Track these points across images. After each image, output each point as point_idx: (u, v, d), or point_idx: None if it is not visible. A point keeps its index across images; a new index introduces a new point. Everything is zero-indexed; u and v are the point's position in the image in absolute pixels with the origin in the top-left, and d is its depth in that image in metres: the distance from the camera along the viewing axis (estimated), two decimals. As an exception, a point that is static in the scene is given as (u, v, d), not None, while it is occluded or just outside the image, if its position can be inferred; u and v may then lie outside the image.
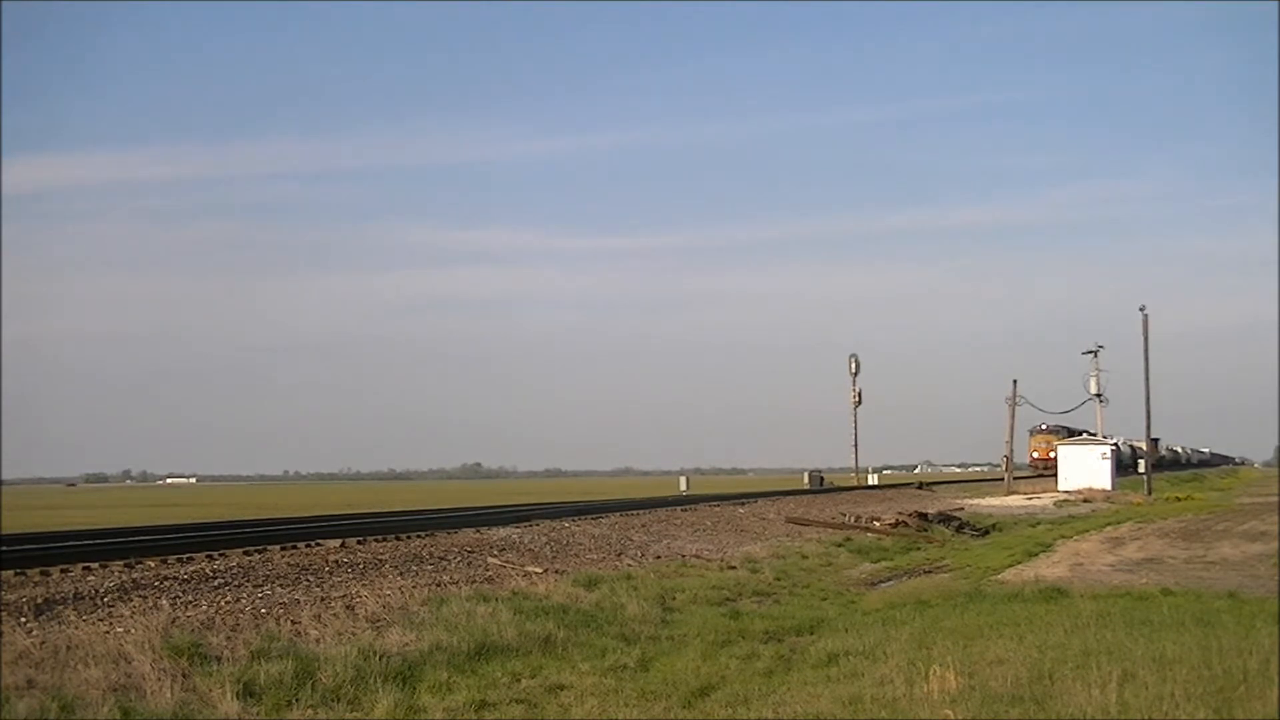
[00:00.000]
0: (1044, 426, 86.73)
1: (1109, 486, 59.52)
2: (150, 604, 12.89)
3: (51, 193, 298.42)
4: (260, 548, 17.69)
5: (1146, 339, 57.55)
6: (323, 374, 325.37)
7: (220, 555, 16.65)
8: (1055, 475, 72.43)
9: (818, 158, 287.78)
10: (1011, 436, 69.85)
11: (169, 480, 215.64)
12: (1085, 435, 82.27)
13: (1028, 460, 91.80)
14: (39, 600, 12.30)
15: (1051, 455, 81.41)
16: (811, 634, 14.36)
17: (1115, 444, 70.31)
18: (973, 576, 20.52)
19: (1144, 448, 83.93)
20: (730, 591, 18.59)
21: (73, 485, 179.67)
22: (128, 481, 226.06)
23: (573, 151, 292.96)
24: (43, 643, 10.85)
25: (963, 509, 44.03)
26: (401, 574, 16.78)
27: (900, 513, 37.71)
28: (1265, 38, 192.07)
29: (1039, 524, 36.56)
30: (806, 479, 65.75)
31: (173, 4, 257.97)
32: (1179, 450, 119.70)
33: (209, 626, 12.29)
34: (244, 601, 13.67)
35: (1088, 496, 53.95)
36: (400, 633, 12.90)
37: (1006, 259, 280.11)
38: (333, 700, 10.36)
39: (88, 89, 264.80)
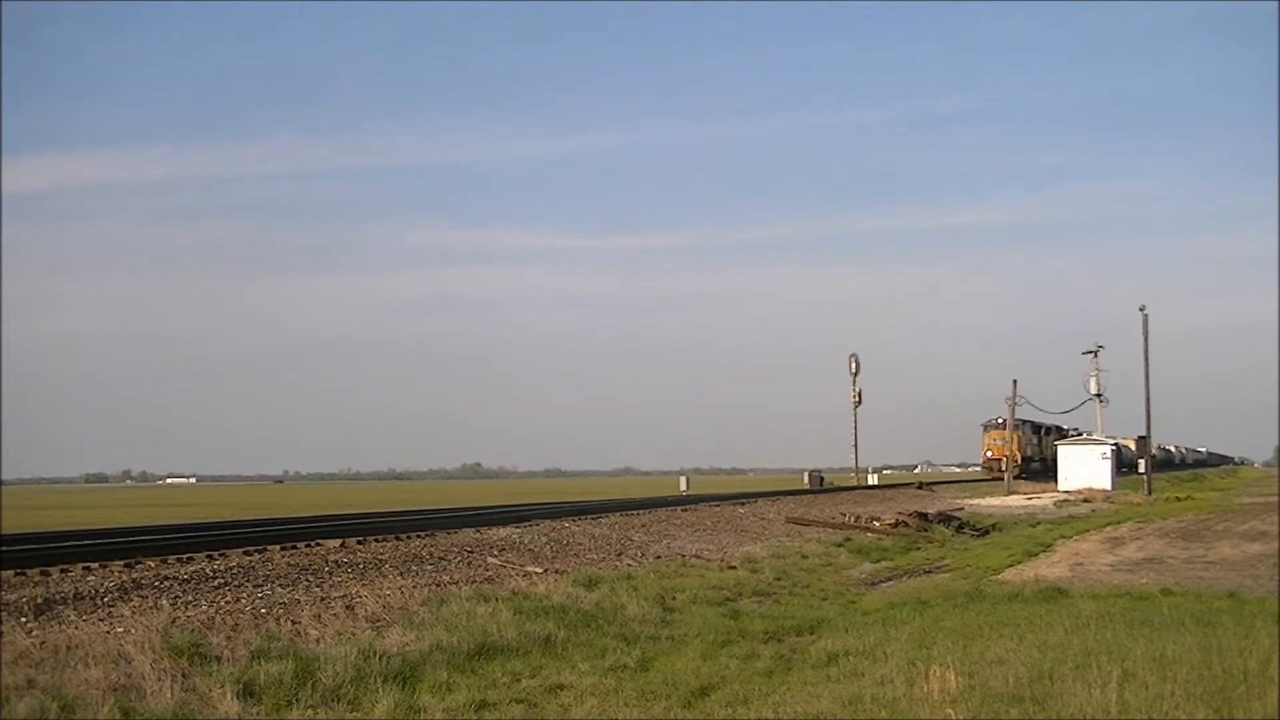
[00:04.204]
0: (1000, 421, 75.65)
1: (1109, 486, 59.50)
2: (150, 604, 12.89)
3: (52, 193, 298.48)
4: (260, 548, 17.70)
5: (1146, 339, 57.64)
6: (323, 374, 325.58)
7: (220, 555, 16.66)
8: (1014, 478, 66.95)
9: (818, 158, 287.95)
10: (1013, 437, 69.86)
11: (169, 480, 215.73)
12: (1071, 432, 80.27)
13: (981, 460, 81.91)
14: (39, 600, 12.31)
15: (1008, 455, 73.61)
16: (811, 634, 14.36)
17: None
18: (973, 576, 20.52)
19: (1134, 447, 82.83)
20: (730, 591, 18.59)
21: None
22: (128, 481, 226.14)
23: (573, 151, 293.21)
24: (43, 643, 10.84)
25: (963, 509, 44.03)
26: (401, 574, 16.78)
27: (900, 513, 37.72)
28: (1265, 38, 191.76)
29: (1039, 524, 36.56)
30: (806, 479, 65.73)
31: (173, 4, 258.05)
32: (1172, 449, 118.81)
33: (209, 626, 12.28)
34: (244, 601, 13.67)
35: (1088, 496, 53.96)
36: (400, 633, 12.90)
37: (1007, 259, 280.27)
38: (333, 700, 10.35)
39: (88, 89, 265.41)
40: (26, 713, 8.97)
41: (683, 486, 56.73)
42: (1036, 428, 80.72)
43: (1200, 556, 23.04)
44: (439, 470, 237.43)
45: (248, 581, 14.74)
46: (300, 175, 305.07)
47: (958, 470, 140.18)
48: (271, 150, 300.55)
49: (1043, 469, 76.28)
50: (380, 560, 17.63)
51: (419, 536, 21.21)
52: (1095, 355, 76.27)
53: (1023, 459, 73.59)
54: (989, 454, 79.19)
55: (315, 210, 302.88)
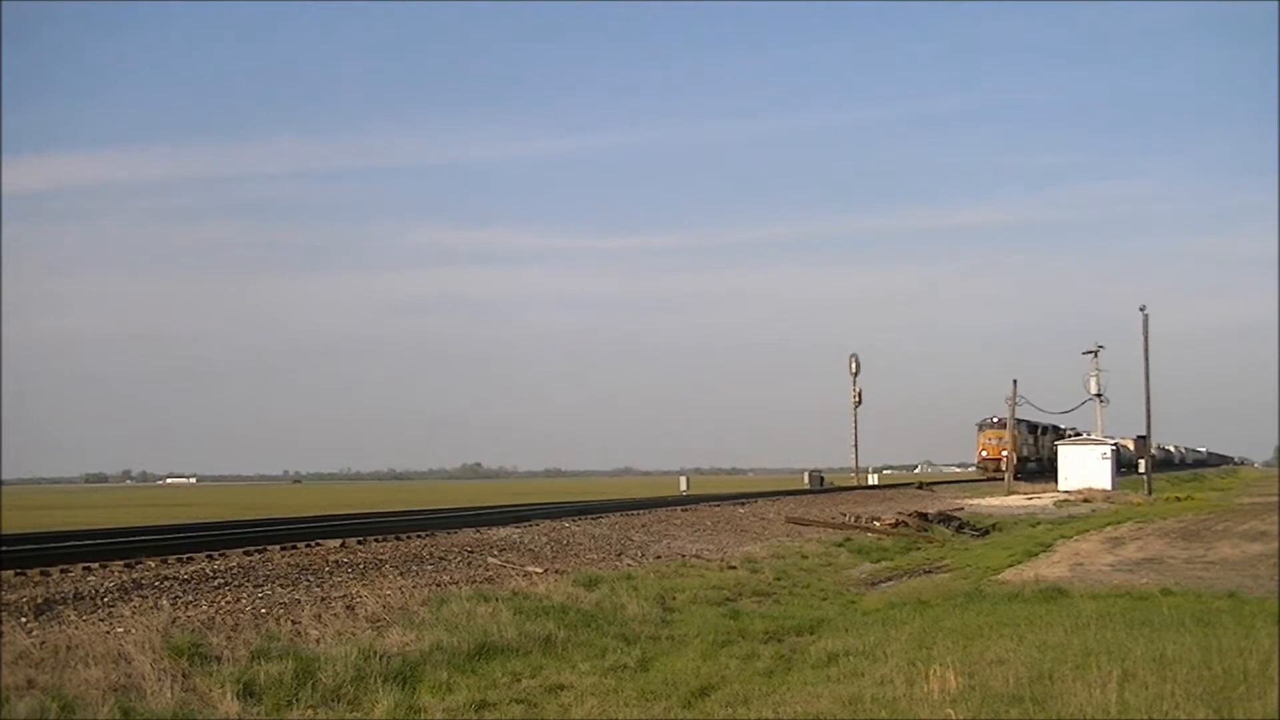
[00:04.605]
0: (995, 420, 75.38)
1: (1109, 486, 59.47)
2: (150, 604, 12.89)
3: (52, 193, 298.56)
4: (260, 548, 17.69)
5: (1146, 339, 57.66)
6: (323, 374, 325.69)
7: (220, 555, 16.66)
8: (1003, 479, 66.41)
9: (818, 158, 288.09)
10: (1012, 437, 69.76)
11: (169, 480, 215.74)
12: (1068, 432, 79.54)
13: (975, 460, 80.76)
14: (39, 600, 12.31)
15: (1004, 454, 72.16)
16: (811, 634, 14.36)
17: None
18: (973, 576, 20.52)
19: (1132, 447, 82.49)
20: (730, 591, 18.59)
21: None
22: (128, 481, 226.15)
23: (573, 151, 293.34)
24: (43, 643, 10.84)
25: (963, 509, 44.03)
26: (401, 574, 16.78)
27: (900, 513, 37.71)
28: (1265, 38, 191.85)
29: (1039, 524, 36.56)
30: (806, 479, 65.71)
31: (173, 4, 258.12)
32: (1171, 449, 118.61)
33: (209, 626, 12.28)
34: (244, 601, 13.67)
35: (1088, 496, 53.94)
36: (400, 633, 12.90)
37: (1007, 259, 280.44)
38: (333, 700, 10.35)
39: (88, 89, 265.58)
40: (26, 713, 8.97)
41: (683, 486, 56.72)
42: (1032, 427, 79.72)
43: (1200, 556, 23.04)
44: (439, 470, 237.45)
45: (248, 581, 14.74)
46: (300, 175, 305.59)
47: (958, 470, 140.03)
48: (271, 150, 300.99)
49: (1038, 469, 75.60)
50: (380, 560, 17.63)
51: (419, 536, 21.21)
52: (1095, 355, 76.13)
53: (1018, 459, 72.60)
54: (984, 454, 78.32)
55: (315, 210, 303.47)
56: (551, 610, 14.75)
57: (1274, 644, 10.77)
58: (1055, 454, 72.49)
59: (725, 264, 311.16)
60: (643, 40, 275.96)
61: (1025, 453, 76.85)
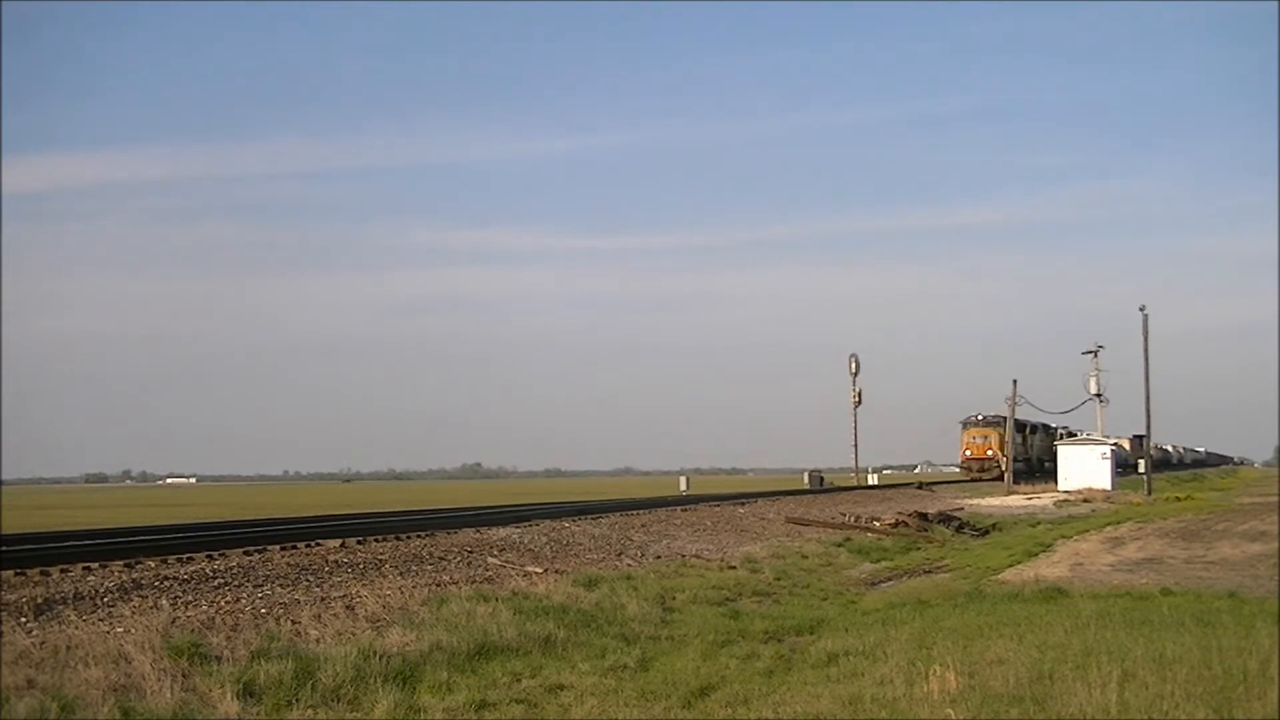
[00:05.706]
0: (980, 418, 74.71)
1: (1109, 486, 59.44)
2: (150, 604, 12.89)
3: (52, 193, 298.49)
4: (260, 548, 17.69)
5: (1146, 339, 57.64)
6: (323, 374, 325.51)
7: (220, 555, 16.66)
8: (993, 479, 65.55)
9: (817, 158, 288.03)
10: (1010, 437, 69.70)
11: (169, 480, 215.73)
12: (1061, 431, 78.68)
13: (959, 459, 78.60)
14: (39, 600, 12.31)
15: (989, 453, 71.48)
16: (811, 634, 14.36)
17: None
18: (973, 576, 20.52)
19: (1128, 447, 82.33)
20: (730, 591, 18.59)
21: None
22: (128, 481, 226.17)
23: (573, 151, 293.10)
24: (43, 643, 10.85)
25: (963, 509, 44.03)
26: (401, 574, 16.78)
27: (900, 513, 37.71)
28: (1265, 38, 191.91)
29: (1039, 524, 36.56)
30: (806, 479, 65.69)
31: (173, 4, 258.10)
32: (1169, 449, 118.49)
33: (209, 626, 12.29)
34: (244, 601, 13.67)
35: (1087, 496, 53.90)
36: (400, 633, 12.90)
37: (1008, 259, 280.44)
38: (333, 700, 10.36)
39: (88, 89, 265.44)
40: (26, 713, 8.97)
41: (683, 486, 56.69)
42: (1020, 426, 77.08)
43: (1200, 556, 23.04)
44: (439, 470, 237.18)
45: (248, 581, 14.74)
46: (300, 175, 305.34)
47: (958, 470, 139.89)
48: (271, 150, 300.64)
49: (1026, 469, 73.96)
50: (380, 560, 17.63)
51: (419, 536, 21.21)
52: (1095, 355, 75.99)
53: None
54: (967, 453, 76.85)
55: (315, 210, 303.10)
56: (551, 610, 14.75)
57: (1274, 644, 10.77)
58: (1045, 454, 72.18)
59: (725, 264, 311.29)
60: (643, 40, 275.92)
61: (1014, 452, 76.38)
